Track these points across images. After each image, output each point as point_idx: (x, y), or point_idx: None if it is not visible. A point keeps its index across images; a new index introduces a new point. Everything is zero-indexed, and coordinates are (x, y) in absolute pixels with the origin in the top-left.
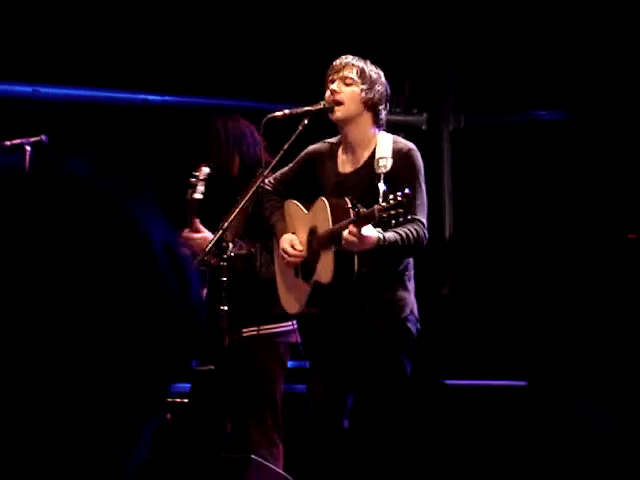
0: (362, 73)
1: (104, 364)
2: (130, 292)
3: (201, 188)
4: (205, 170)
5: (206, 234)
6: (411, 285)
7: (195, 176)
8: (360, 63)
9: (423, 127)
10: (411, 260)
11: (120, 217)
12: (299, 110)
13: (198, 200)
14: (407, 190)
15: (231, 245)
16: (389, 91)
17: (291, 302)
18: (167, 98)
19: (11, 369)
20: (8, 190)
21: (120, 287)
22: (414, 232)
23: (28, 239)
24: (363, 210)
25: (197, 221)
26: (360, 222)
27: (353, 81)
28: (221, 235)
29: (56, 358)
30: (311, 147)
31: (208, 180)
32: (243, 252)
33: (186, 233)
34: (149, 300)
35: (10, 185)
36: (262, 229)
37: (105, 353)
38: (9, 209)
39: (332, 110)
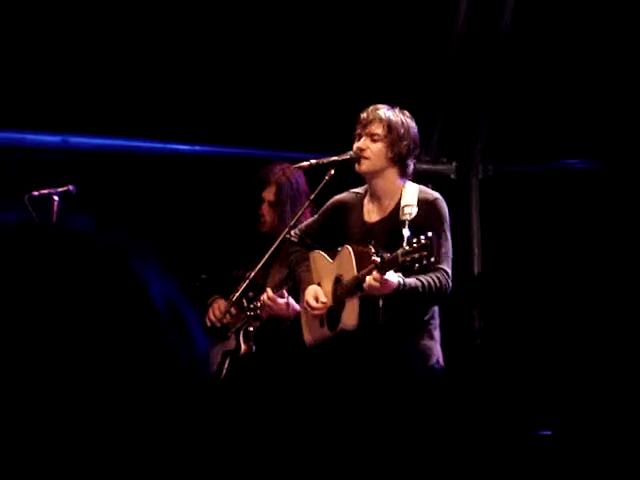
0: (389, 128)
1: (102, 417)
2: (130, 345)
3: None
4: None
5: (290, 301)
6: (437, 334)
7: None
8: (388, 115)
9: (452, 176)
10: (436, 309)
11: (121, 273)
12: (326, 160)
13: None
14: (430, 234)
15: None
16: (418, 140)
17: None
18: (197, 148)
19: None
20: (15, 246)
21: (120, 341)
22: (436, 280)
23: (30, 295)
24: (386, 255)
25: (285, 289)
26: (384, 267)
27: (379, 137)
28: (247, 285)
29: (54, 411)
30: (337, 197)
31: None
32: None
33: (271, 296)
34: (148, 353)
35: (16, 242)
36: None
37: (104, 404)
38: (16, 265)
39: (358, 162)
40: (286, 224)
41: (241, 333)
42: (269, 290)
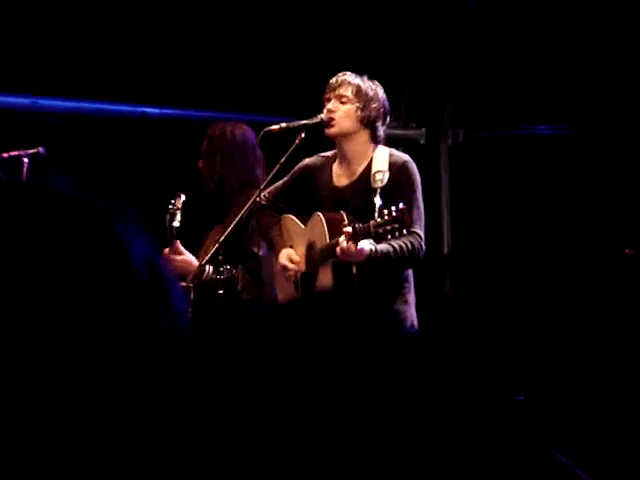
0: (358, 91)
1: (78, 378)
2: (109, 304)
3: (179, 217)
4: (183, 198)
5: (187, 256)
6: (411, 298)
7: (173, 204)
8: (357, 80)
9: (421, 141)
10: (410, 272)
11: (101, 232)
12: (296, 124)
13: (177, 227)
14: (402, 205)
15: (211, 268)
16: (388, 107)
17: None
18: (165, 111)
19: None
20: None
21: (99, 299)
22: (409, 244)
23: (9, 253)
24: (359, 225)
25: (178, 243)
26: (356, 237)
27: (348, 99)
28: (217, 249)
29: (30, 368)
30: (305, 160)
31: (185, 208)
32: (223, 277)
33: (167, 254)
34: (127, 312)
35: None
36: (245, 249)
37: (80, 365)
38: None
39: (328, 125)
40: (220, 177)
41: None
42: (167, 249)
